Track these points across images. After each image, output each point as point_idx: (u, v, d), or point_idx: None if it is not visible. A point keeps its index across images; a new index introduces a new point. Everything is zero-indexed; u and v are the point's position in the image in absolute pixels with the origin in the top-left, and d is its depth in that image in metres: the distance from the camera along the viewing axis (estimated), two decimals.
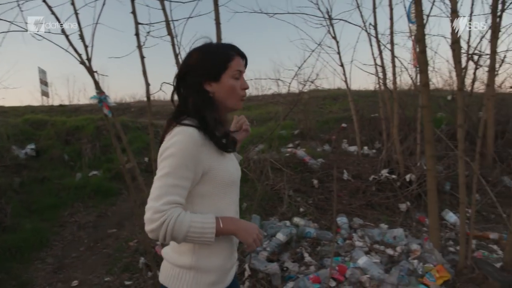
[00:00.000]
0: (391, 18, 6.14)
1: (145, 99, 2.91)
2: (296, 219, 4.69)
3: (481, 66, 7.45)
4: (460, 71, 3.74)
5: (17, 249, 4.28)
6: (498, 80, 7.93)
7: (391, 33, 6.18)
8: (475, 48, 7.03)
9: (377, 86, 7.30)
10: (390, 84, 6.51)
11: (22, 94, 25.43)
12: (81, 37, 2.70)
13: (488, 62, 6.25)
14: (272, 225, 4.37)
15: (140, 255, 4.01)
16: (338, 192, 5.62)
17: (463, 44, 6.99)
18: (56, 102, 12.17)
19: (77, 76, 16.62)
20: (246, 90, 1.49)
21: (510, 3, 5.54)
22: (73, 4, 2.66)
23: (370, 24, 6.52)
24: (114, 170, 6.48)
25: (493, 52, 4.33)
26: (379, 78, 6.75)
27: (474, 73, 7.73)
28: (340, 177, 6.03)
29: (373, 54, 6.64)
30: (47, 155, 6.91)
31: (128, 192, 5.50)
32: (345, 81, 7.38)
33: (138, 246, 4.22)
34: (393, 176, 5.83)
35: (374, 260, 3.70)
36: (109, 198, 5.84)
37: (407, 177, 5.68)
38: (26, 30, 2.75)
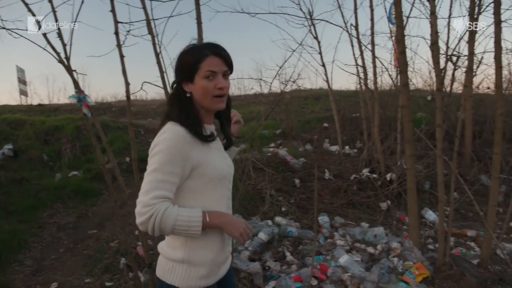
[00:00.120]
0: (372, 19, 6.22)
1: (126, 98, 2.87)
2: (278, 219, 4.70)
3: (459, 67, 7.59)
4: (439, 72, 3.80)
5: None
6: (476, 81, 8.10)
7: (372, 34, 6.25)
8: (454, 50, 7.16)
9: (358, 86, 7.39)
10: (371, 84, 6.59)
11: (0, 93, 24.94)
12: (59, 35, 2.65)
13: (466, 63, 6.37)
14: (254, 225, 4.37)
15: (121, 256, 3.96)
16: (320, 192, 5.65)
17: (442, 45, 7.13)
18: (35, 102, 11.96)
19: (56, 75, 16.33)
20: (227, 89, 1.49)
21: (486, 6, 5.67)
22: (50, 1, 2.61)
23: (351, 24, 6.59)
24: (94, 170, 6.39)
25: (471, 53, 4.42)
26: (360, 78, 6.83)
27: (453, 74, 7.87)
28: (321, 176, 6.07)
29: (354, 54, 6.72)
30: (26, 155, 6.77)
31: (109, 192, 5.44)
32: (327, 81, 7.44)
33: (119, 247, 4.18)
34: (374, 175, 5.89)
35: (355, 259, 3.74)
36: (90, 198, 5.76)
37: (388, 176, 5.75)
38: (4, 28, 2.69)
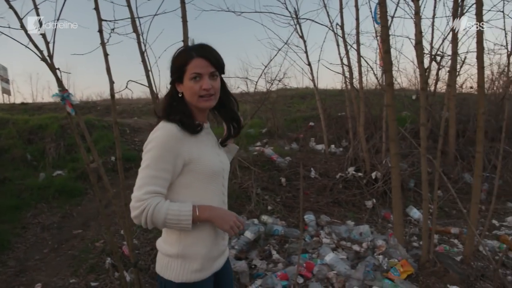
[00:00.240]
0: (357, 19, 6.26)
1: (110, 97, 2.85)
2: (264, 217, 4.71)
3: (443, 66, 7.70)
4: (423, 71, 3.85)
5: None
6: (459, 80, 8.22)
7: (357, 33, 6.30)
8: (438, 49, 7.26)
9: (344, 85, 7.42)
10: (356, 83, 6.64)
11: None
12: (43, 34, 2.62)
13: (449, 63, 6.46)
14: None
15: (106, 256, 3.92)
16: (306, 190, 5.68)
17: (426, 45, 7.22)
18: (18, 100, 11.79)
19: (40, 73, 16.10)
20: (215, 89, 1.53)
21: (469, 7, 5.76)
22: None
23: (337, 24, 6.64)
24: (79, 169, 6.31)
25: (454, 53, 4.47)
26: (345, 77, 6.87)
27: (437, 73, 7.98)
28: (307, 175, 6.10)
29: (339, 53, 6.76)
30: (9, 155, 6.66)
31: (94, 192, 5.38)
32: (313, 80, 7.47)
33: (104, 247, 4.14)
34: (360, 174, 5.94)
35: (341, 257, 3.77)
36: (74, 198, 5.69)
37: (373, 174, 5.80)
38: None
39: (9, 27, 2.57)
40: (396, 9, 6.16)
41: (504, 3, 4.64)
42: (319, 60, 10.06)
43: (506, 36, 5.04)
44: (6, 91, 11.50)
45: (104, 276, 3.63)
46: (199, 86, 1.49)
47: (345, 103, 7.49)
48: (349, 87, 6.90)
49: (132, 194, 1.43)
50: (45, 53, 2.61)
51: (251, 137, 8.19)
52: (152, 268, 3.73)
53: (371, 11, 6.58)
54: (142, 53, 3.00)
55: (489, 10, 5.15)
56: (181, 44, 3.11)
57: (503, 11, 4.68)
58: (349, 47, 6.57)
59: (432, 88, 8.19)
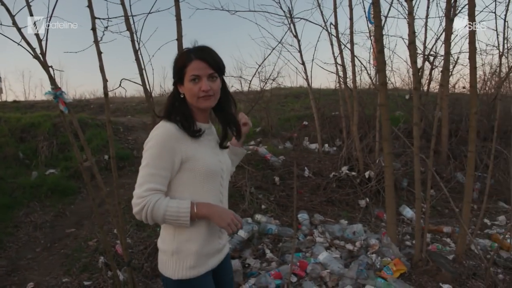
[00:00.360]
0: (351, 18, 6.27)
1: (104, 95, 2.83)
2: (258, 216, 4.71)
3: (436, 66, 7.75)
4: (416, 71, 3.87)
5: None
6: (452, 80, 8.28)
7: (351, 33, 6.31)
8: (431, 50, 7.30)
9: (338, 84, 7.44)
10: (350, 83, 6.66)
11: None
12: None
13: (442, 63, 6.50)
14: None
15: (99, 255, 3.91)
16: (299, 189, 5.69)
17: (420, 45, 7.26)
18: (10, 98, 11.71)
19: (33, 71, 15.98)
20: (214, 90, 1.57)
21: (462, 8, 5.79)
22: None
23: (331, 23, 6.65)
24: (72, 168, 6.28)
25: (447, 53, 4.50)
26: (339, 76, 6.89)
27: (430, 73, 8.03)
28: (301, 174, 6.11)
29: (333, 53, 6.77)
30: (0, 153, 6.60)
31: (87, 190, 5.35)
32: (306, 79, 7.48)
33: (97, 246, 4.12)
34: (353, 173, 5.96)
35: (334, 255, 3.78)
36: (67, 197, 5.66)
37: (367, 174, 5.82)
38: None
39: (0, 24, 2.55)
40: (389, 9, 6.19)
41: (496, 4, 4.68)
42: (313, 60, 10.13)
43: (498, 37, 5.09)
44: None
45: (97, 275, 3.61)
46: (198, 88, 1.53)
47: (338, 103, 7.51)
48: (342, 86, 6.92)
49: (134, 192, 1.48)
50: (38, 51, 2.59)
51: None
52: (145, 267, 3.72)
53: (365, 11, 6.59)
54: (135, 52, 2.99)
55: (481, 11, 5.18)
56: (175, 42, 3.11)
57: (495, 12, 4.72)
58: (343, 46, 6.59)
59: (425, 88, 8.25)
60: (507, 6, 4.69)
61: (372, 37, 6.80)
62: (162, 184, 1.50)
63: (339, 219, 4.99)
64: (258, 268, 3.66)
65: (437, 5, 10.14)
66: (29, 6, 2.53)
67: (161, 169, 1.48)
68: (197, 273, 1.58)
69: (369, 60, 7.63)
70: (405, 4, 5.62)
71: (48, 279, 3.67)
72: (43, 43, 2.60)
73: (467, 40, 3.56)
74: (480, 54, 7.51)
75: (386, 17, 5.97)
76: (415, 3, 5.91)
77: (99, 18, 2.71)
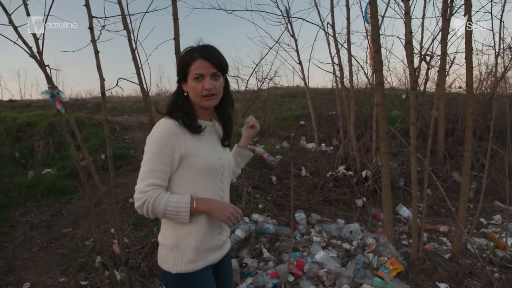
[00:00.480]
0: (348, 18, 6.27)
1: (101, 95, 2.82)
2: (255, 215, 4.71)
3: (432, 66, 7.77)
4: (413, 71, 3.88)
5: None
6: (448, 80, 8.31)
7: (348, 33, 6.32)
8: (427, 49, 7.32)
9: (335, 84, 7.45)
10: (347, 83, 6.66)
11: None
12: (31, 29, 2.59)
13: (439, 63, 6.52)
14: None
15: (96, 254, 3.90)
16: (296, 189, 5.69)
17: (416, 45, 7.28)
18: (6, 97, 11.66)
19: (29, 70, 15.91)
20: (217, 89, 1.60)
21: (459, 8, 5.80)
22: None
23: (327, 23, 6.65)
24: (69, 167, 6.26)
25: (444, 53, 4.51)
26: (336, 76, 6.90)
27: (427, 73, 8.06)
28: (298, 173, 6.12)
29: (330, 52, 6.79)
30: None
31: (84, 190, 5.34)
32: (303, 79, 7.49)
33: (94, 245, 4.11)
34: (350, 173, 5.97)
35: (331, 255, 3.79)
36: (64, 196, 5.64)
37: (363, 173, 5.83)
38: None
39: None
40: (386, 9, 6.20)
41: (492, 5, 4.68)
42: (310, 59, 10.01)
43: (494, 37, 5.09)
44: None
45: (94, 275, 3.61)
46: (201, 86, 1.56)
47: (335, 102, 7.52)
48: (339, 86, 6.93)
49: (135, 186, 1.52)
50: (35, 50, 2.59)
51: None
52: (142, 266, 3.72)
53: (362, 11, 6.61)
54: (133, 51, 2.99)
55: (478, 11, 5.19)
56: (172, 42, 3.11)
57: (491, 12, 4.72)
58: (340, 46, 6.60)
59: (422, 88, 8.28)
60: (503, 6, 4.69)
61: (369, 37, 6.82)
62: (163, 179, 1.53)
63: (336, 219, 5.00)
64: (256, 268, 3.66)
65: (433, 5, 10.14)
66: (25, 5, 2.51)
67: (162, 165, 1.51)
68: (196, 268, 1.60)
69: (366, 60, 7.67)
70: (402, 4, 5.63)
71: (45, 279, 3.67)
72: (40, 42, 2.59)
73: (464, 40, 3.57)
74: (476, 54, 7.53)
75: (383, 17, 5.99)
76: (412, 3, 5.94)
77: (96, 17, 2.71)
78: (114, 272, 3.12)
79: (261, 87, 7.60)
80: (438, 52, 7.02)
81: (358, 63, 7.78)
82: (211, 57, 1.56)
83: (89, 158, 2.83)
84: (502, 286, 3.34)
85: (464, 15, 3.47)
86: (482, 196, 4.04)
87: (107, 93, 2.91)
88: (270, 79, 7.55)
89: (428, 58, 7.49)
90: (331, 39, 6.62)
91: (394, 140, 6.78)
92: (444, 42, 4.23)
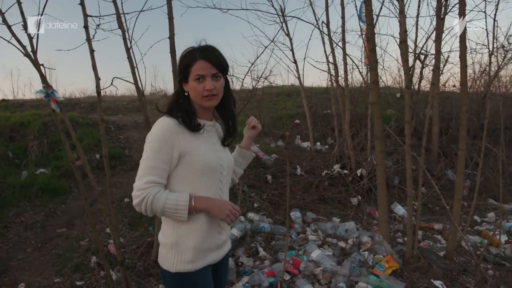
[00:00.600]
0: (343, 17, 6.29)
1: (95, 94, 2.81)
2: (251, 214, 4.71)
3: (427, 65, 7.80)
4: (408, 70, 3.89)
5: None
6: (442, 79, 8.35)
7: (343, 31, 6.33)
8: (422, 48, 7.35)
9: (330, 83, 7.46)
10: (342, 81, 6.68)
11: None
12: (25, 27, 2.57)
13: (433, 61, 6.54)
14: None
15: (92, 254, 3.88)
16: (292, 187, 5.70)
17: (411, 44, 7.30)
18: None
19: (22, 69, 15.80)
20: (217, 90, 1.61)
21: (453, 7, 5.83)
22: None
23: (322, 22, 6.66)
24: (63, 167, 6.23)
25: (438, 52, 4.53)
26: (331, 75, 6.91)
27: (421, 72, 8.08)
28: (293, 172, 6.12)
29: (325, 51, 6.79)
30: None
31: (79, 190, 5.31)
32: (298, 78, 7.50)
33: (89, 245, 4.09)
34: (345, 171, 5.98)
35: (327, 253, 3.80)
36: (58, 196, 5.61)
37: (358, 172, 5.85)
38: None
39: None
40: (381, 8, 6.23)
41: (485, 4, 4.72)
42: (305, 58, 10.14)
43: (487, 36, 5.14)
44: None
45: (90, 275, 3.59)
46: (202, 87, 1.57)
47: (330, 101, 7.54)
48: (334, 85, 6.94)
49: (134, 184, 1.52)
50: (29, 49, 2.57)
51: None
52: (138, 266, 3.71)
53: (356, 10, 6.64)
54: (127, 50, 2.99)
55: (472, 10, 5.23)
56: (167, 41, 3.11)
57: (485, 11, 4.76)
58: (334, 45, 6.62)
59: (416, 87, 8.31)
60: (497, 5, 4.74)
61: (363, 36, 6.83)
62: (162, 177, 1.54)
63: (331, 217, 5.01)
64: (251, 266, 3.66)
65: (428, 4, 10.22)
66: (19, 3, 2.49)
67: (161, 163, 1.52)
68: (195, 268, 1.60)
69: (360, 59, 7.69)
70: (396, 3, 5.66)
71: (40, 279, 3.65)
72: (34, 41, 2.57)
73: (458, 39, 3.59)
74: (470, 53, 7.59)
75: (377, 15, 6.02)
76: (406, 2, 5.96)
77: (91, 16, 2.70)
78: (109, 272, 3.11)
79: (256, 86, 7.60)
80: (432, 51, 7.06)
81: (353, 61, 7.85)
82: (212, 58, 1.57)
83: (84, 157, 2.82)
84: (496, 282, 3.37)
85: (459, 14, 3.49)
86: (476, 194, 4.06)
87: (102, 93, 2.90)
88: (265, 78, 7.56)
89: (422, 57, 7.52)
90: (326, 38, 6.64)
91: (389, 139, 6.81)
92: (438, 41, 4.24)
